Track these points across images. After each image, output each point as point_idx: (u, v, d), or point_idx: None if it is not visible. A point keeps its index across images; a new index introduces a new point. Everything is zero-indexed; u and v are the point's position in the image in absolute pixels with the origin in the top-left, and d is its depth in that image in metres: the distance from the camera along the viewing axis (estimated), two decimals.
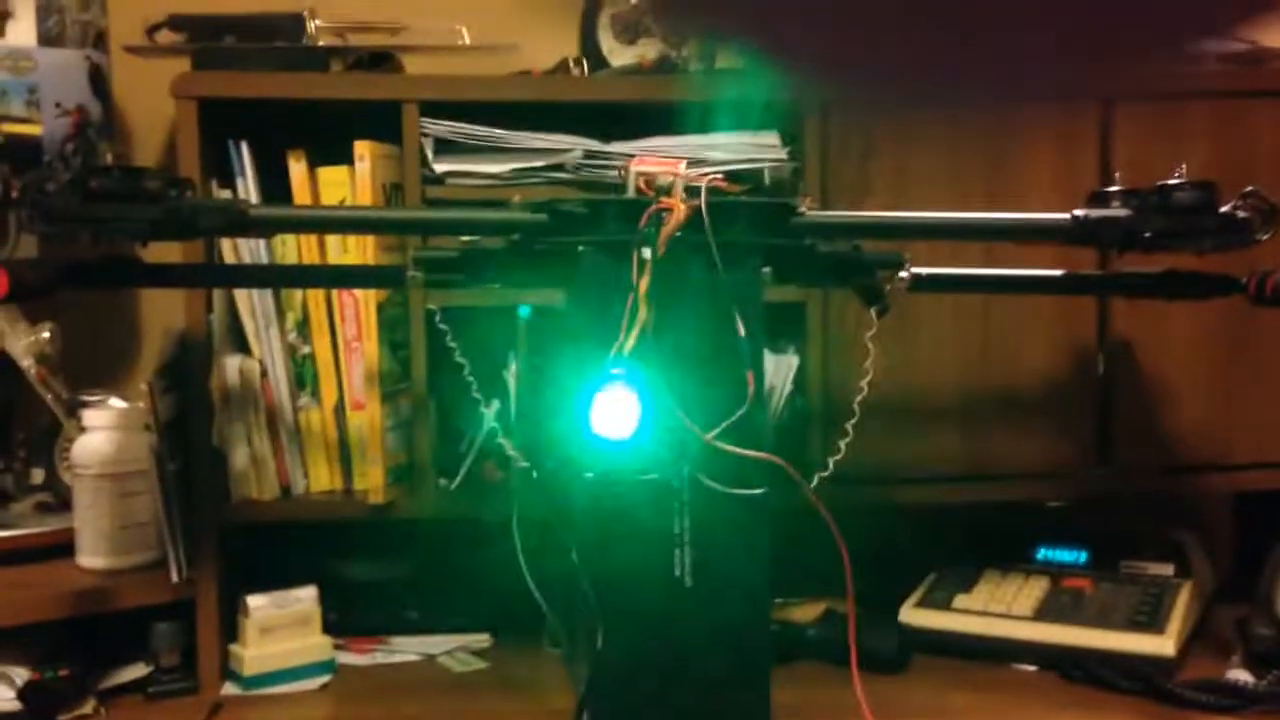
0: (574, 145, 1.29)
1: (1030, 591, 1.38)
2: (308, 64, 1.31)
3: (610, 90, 1.36)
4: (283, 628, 1.29)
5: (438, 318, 1.16)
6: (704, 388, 1.03)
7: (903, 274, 1.15)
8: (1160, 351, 1.38)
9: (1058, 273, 1.27)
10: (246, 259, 1.29)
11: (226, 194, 1.28)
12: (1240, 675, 1.23)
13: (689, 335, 1.03)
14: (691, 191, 1.02)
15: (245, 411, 1.29)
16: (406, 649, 1.38)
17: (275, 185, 1.29)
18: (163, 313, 1.54)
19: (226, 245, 1.28)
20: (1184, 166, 1.11)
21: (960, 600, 1.38)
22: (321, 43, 1.34)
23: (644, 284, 0.99)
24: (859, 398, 1.21)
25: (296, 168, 1.29)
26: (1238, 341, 1.39)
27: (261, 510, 1.31)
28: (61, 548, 1.33)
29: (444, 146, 1.29)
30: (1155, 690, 1.22)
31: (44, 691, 1.20)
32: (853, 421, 1.19)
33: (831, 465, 1.15)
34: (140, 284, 1.45)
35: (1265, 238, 1.12)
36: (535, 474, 1.24)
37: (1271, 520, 1.38)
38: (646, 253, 1.01)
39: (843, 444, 1.16)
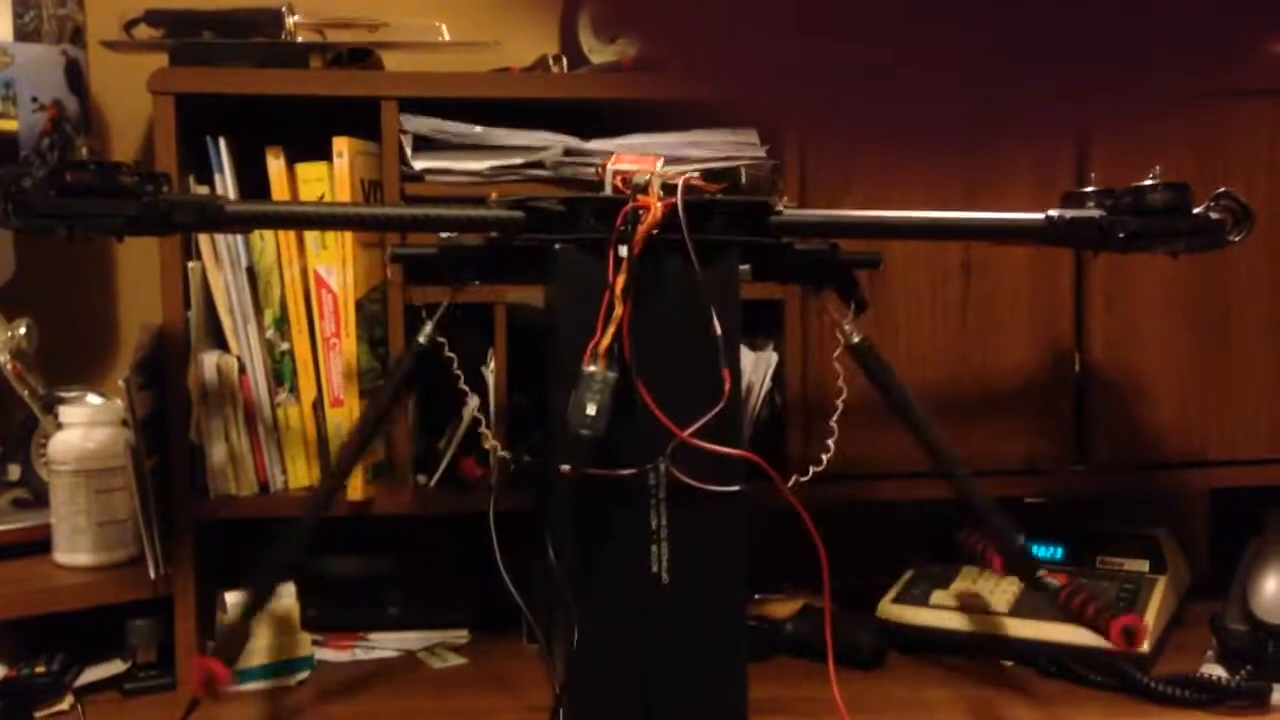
0: (553, 143, 1.29)
1: (1007, 587, 1.38)
2: (286, 60, 1.31)
3: (590, 88, 1.36)
4: (261, 624, 1.29)
5: (424, 314, 1.16)
6: (681, 385, 1.03)
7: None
8: (1137, 350, 1.39)
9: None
10: (224, 256, 1.28)
11: (204, 190, 1.28)
12: (1214, 670, 1.24)
13: (666, 332, 1.04)
14: (668, 190, 1.03)
15: (223, 408, 1.29)
16: (385, 645, 1.39)
17: (253, 181, 1.29)
18: (140, 308, 1.53)
19: (204, 241, 1.28)
20: (1158, 168, 1.12)
21: (937, 596, 1.38)
22: (300, 39, 1.34)
23: (620, 282, 1.00)
24: (840, 397, 1.22)
25: (274, 164, 1.29)
26: (1213, 339, 1.40)
27: (240, 506, 1.30)
28: (38, 544, 1.33)
29: (423, 143, 1.29)
30: (1129, 685, 1.22)
31: (20, 688, 1.19)
32: (833, 418, 1.20)
33: (810, 465, 1.16)
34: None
35: (1238, 239, 1.13)
36: (514, 467, 1.24)
37: (1246, 517, 1.39)
38: (623, 250, 1.01)
39: (828, 442, 1.17)
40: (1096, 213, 1.12)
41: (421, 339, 1.13)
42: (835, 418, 1.18)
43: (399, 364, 1.15)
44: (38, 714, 1.19)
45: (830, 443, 1.17)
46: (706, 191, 1.08)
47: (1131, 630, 1.05)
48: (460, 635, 1.41)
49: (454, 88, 1.30)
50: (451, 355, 1.15)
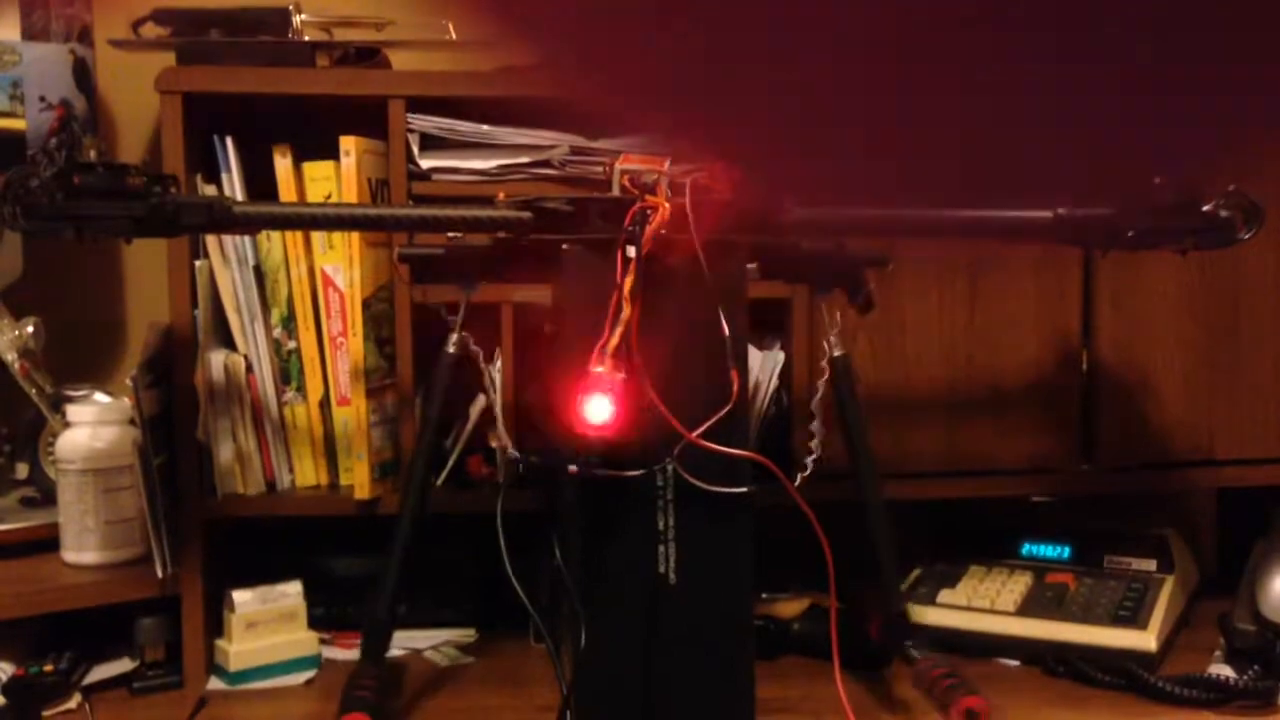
0: (560, 141, 1.29)
1: (1014, 587, 1.38)
2: (293, 59, 1.31)
3: None
4: (268, 623, 1.29)
5: (443, 311, 1.16)
6: (688, 385, 1.03)
7: None
8: (1144, 348, 1.39)
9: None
10: (231, 254, 1.29)
11: (212, 189, 1.28)
12: (1222, 670, 1.24)
13: (673, 333, 1.03)
14: (676, 189, 1.03)
15: (230, 407, 1.29)
16: (392, 643, 1.38)
17: (260, 179, 1.29)
18: (147, 307, 1.53)
19: (211, 239, 1.28)
20: None
21: (944, 595, 1.38)
22: (307, 37, 1.34)
23: (628, 282, 1.00)
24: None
25: (282, 163, 1.29)
26: (1221, 338, 1.40)
27: (247, 505, 1.31)
28: (46, 543, 1.33)
29: (430, 142, 1.28)
30: (1137, 685, 1.22)
31: (28, 687, 1.20)
32: (813, 422, 1.19)
33: (810, 464, 1.16)
34: None
35: (1247, 236, 1.13)
36: (521, 468, 1.24)
37: (1254, 516, 1.39)
38: (631, 251, 1.01)
39: (812, 444, 1.17)
40: (1105, 211, 1.12)
41: (451, 348, 1.13)
42: (818, 421, 1.19)
43: (438, 380, 1.15)
44: (46, 712, 1.19)
45: (815, 444, 1.17)
46: (714, 191, 1.08)
47: (974, 714, 1.07)
48: (467, 634, 1.41)
49: (461, 86, 1.30)
50: (477, 350, 1.16)
